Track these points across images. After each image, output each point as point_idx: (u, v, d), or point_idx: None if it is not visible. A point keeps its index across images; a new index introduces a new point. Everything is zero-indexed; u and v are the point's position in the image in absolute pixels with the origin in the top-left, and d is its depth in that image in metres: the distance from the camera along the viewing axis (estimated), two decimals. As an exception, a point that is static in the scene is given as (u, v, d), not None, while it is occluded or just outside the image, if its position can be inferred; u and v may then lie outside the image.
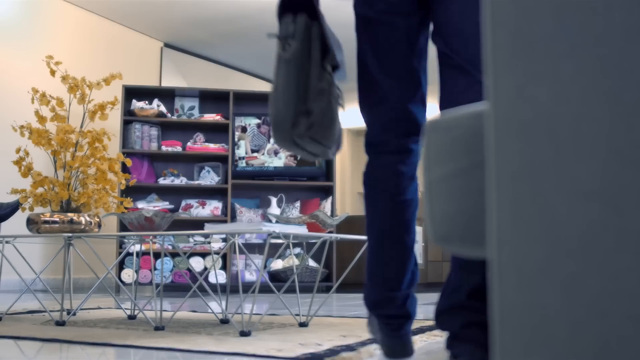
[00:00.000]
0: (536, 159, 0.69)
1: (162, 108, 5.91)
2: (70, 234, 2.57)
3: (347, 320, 2.86)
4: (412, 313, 1.68)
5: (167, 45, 7.64)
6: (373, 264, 1.61)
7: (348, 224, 6.40)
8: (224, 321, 2.72)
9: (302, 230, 2.23)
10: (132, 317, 2.93)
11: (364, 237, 2.53)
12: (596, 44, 0.67)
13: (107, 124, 3.39)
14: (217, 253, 5.75)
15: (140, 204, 5.72)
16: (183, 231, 2.29)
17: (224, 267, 5.79)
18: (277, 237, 2.17)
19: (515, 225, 0.69)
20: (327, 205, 5.94)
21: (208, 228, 2.16)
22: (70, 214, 2.76)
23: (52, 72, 2.97)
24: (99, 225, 2.87)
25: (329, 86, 1.54)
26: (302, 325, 2.59)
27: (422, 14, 1.57)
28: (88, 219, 2.80)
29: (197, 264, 5.68)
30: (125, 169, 5.74)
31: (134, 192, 5.69)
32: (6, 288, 5.44)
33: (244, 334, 2.23)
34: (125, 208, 2.92)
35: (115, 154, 5.63)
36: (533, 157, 0.69)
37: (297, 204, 6.00)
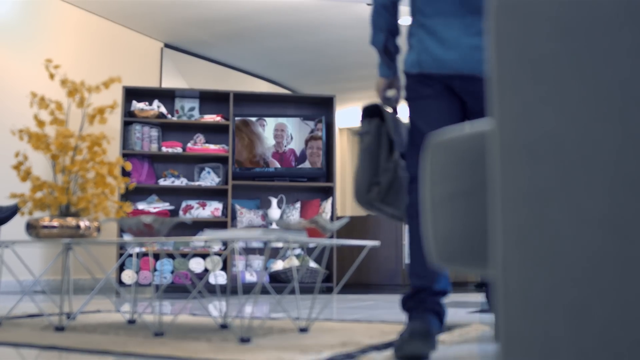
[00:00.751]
0: (542, 183, 0.67)
1: (163, 109, 5.90)
2: (69, 240, 2.56)
3: (347, 325, 2.85)
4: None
5: (167, 45, 7.62)
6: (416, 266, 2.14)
7: (349, 225, 6.40)
8: (224, 326, 2.71)
9: (302, 236, 2.22)
10: (131, 322, 2.91)
11: (364, 243, 2.53)
12: (603, 64, 0.66)
13: (107, 125, 3.38)
14: (217, 254, 5.74)
15: (141, 205, 5.71)
16: (182, 237, 2.27)
17: (224, 268, 5.77)
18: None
19: (520, 251, 0.68)
20: (327, 206, 5.93)
21: (207, 233, 2.14)
22: (69, 219, 2.75)
23: (51, 76, 2.95)
24: (98, 230, 2.86)
25: (395, 165, 2.19)
26: (303, 330, 2.58)
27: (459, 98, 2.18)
28: (87, 223, 2.78)
29: (197, 265, 5.66)
30: (125, 172, 5.73)
31: (134, 193, 5.68)
32: (7, 289, 5.43)
33: (244, 340, 2.22)
34: (125, 213, 2.90)
35: (116, 155, 5.65)
36: (539, 181, 0.67)
37: (298, 204, 5.99)
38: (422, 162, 0.89)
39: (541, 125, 0.67)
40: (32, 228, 2.76)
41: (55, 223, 2.74)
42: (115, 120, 5.88)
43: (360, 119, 2.30)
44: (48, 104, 2.92)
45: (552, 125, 0.67)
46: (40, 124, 2.89)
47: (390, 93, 2.40)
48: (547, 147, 0.67)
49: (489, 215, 0.77)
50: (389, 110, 2.33)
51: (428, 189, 0.86)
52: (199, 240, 2.10)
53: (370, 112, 2.28)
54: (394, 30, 2.34)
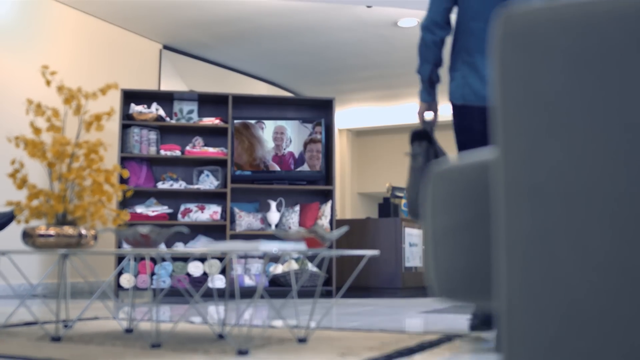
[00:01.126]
0: (547, 220, 0.64)
1: (161, 112, 5.87)
2: (65, 251, 2.53)
3: (346, 334, 2.82)
4: None
5: (166, 47, 7.60)
6: None
7: (348, 229, 6.38)
8: (222, 336, 2.68)
9: (300, 247, 2.19)
10: (129, 331, 2.89)
11: (363, 252, 2.50)
12: (615, 101, 0.63)
13: (105, 128, 3.32)
14: (217, 258, 5.71)
15: (139, 209, 5.68)
16: (180, 250, 2.25)
17: (223, 271, 5.75)
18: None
19: (526, 295, 0.65)
20: (326, 209, 5.90)
21: (206, 244, 2.12)
22: (66, 227, 2.72)
23: (48, 82, 2.92)
24: (95, 238, 2.83)
25: None
26: (301, 340, 2.55)
27: None
28: (84, 232, 2.76)
29: (196, 268, 5.64)
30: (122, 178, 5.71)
31: (133, 196, 5.65)
32: (4, 293, 5.40)
33: (242, 352, 2.19)
34: (122, 221, 2.88)
35: (114, 158, 5.62)
36: (544, 219, 0.65)
37: (297, 208, 5.96)
38: (425, 192, 0.87)
39: (547, 163, 0.64)
40: (28, 237, 2.73)
41: (51, 232, 2.71)
42: (113, 123, 5.85)
43: (410, 141, 2.55)
44: (44, 111, 2.89)
45: (559, 162, 0.64)
46: (37, 131, 2.86)
47: (429, 116, 2.77)
48: (553, 184, 0.65)
49: (492, 250, 0.75)
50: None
51: (429, 221, 0.83)
52: (197, 252, 2.07)
53: (419, 136, 2.54)
54: (439, 63, 2.70)
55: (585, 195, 0.66)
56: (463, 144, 2.60)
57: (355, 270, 2.54)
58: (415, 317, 3.85)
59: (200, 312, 2.73)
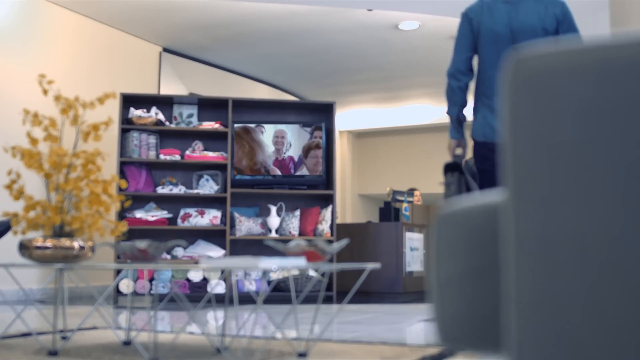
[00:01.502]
0: (561, 278, 0.61)
1: (161, 116, 5.84)
2: (62, 266, 2.50)
3: (348, 347, 2.79)
4: None
5: (165, 49, 7.56)
6: None
7: (348, 232, 6.34)
8: (220, 350, 2.65)
9: (300, 263, 2.16)
10: (127, 343, 2.85)
11: (363, 266, 2.47)
12: (630, 150, 0.59)
13: (104, 132, 3.30)
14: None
15: (139, 214, 5.65)
16: (178, 266, 2.21)
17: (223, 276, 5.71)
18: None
19: (537, 354, 0.62)
20: (327, 214, 5.87)
21: (203, 262, 2.08)
22: (63, 239, 2.69)
23: (45, 92, 2.89)
24: (93, 249, 2.80)
25: None
26: (301, 355, 2.52)
27: None
28: (81, 243, 2.72)
29: (195, 273, 5.60)
30: (123, 176, 5.67)
31: (132, 201, 5.62)
32: (3, 298, 5.37)
33: (241, 369, 2.16)
34: (120, 232, 2.84)
35: (113, 163, 5.58)
36: (558, 276, 0.61)
37: (297, 212, 5.93)
38: (431, 235, 0.83)
39: (559, 220, 0.61)
40: (25, 249, 2.70)
41: (48, 244, 2.68)
42: (112, 127, 5.81)
43: (444, 172, 2.95)
44: (41, 121, 2.85)
45: (571, 220, 0.60)
46: (34, 141, 2.83)
47: (458, 151, 3.13)
48: (565, 242, 0.61)
49: (499, 299, 0.71)
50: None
51: (434, 267, 0.79)
52: (196, 268, 2.04)
53: (451, 168, 2.93)
54: (465, 104, 3.08)
55: (601, 250, 0.62)
56: (483, 172, 3.00)
57: (356, 284, 2.51)
58: (416, 327, 3.82)
59: (199, 325, 2.69)
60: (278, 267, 1.92)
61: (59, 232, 2.75)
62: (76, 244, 2.71)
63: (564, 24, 2.90)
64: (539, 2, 2.92)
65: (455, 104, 3.04)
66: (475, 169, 3.07)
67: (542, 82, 0.62)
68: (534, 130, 0.63)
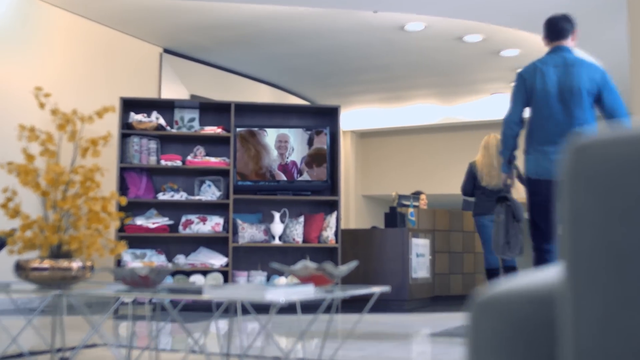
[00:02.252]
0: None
1: (161, 120, 5.74)
2: (59, 292, 2.40)
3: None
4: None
5: (166, 50, 7.46)
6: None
7: (353, 238, 6.24)
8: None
9: (308, 291, 2.06)
10: (127, 365, 2.77)
11: (372, 291, 2.37)
12: None
13: (102, 148, 3.20)
14: (219, 271, 5.60)
15: (139, 220, 5.56)
16: (179, 295, 2.13)
17: (225, 282, 5.62)
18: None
19: None
20: (332, 220, 5.77)
21: (207, 292, 1.99)
22: (60, 260, 2.59)
23: (41, 105, 2.79)
24: (92, 269, 2.70)
25: (518, 231, 3.93)
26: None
27: None
28: (80, 264, 2.63)
29: (197, 282, 5.51)
30: (123, 184, 5.59)
31: (133, 207, 5.52)
32: (1, 306, 5.28)
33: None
34: (119, 252, 2.75)
35: (113, 169, 5.48)
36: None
37: (301, 219, 5.83)
38: (465, 325, 0.74)
39: (628, 339, 0.51)
40: (21, 270, 2.60)
41: (45, 265, 2.58)
42: (112, 132, 5.71)
43: (496, 202, 4.02)
44: (38, 136, 2.76)
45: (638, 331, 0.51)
46: (30, 158, 2.73)
47: (508, 181, 3.90)
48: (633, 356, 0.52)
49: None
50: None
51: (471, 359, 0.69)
52: (200, 297, 1.95)
53: (502, 199, 3.97)
54: (515, 148, 3.76)
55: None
56: (535, 204, 3.62)
57: (364, 309, 2.42)
58: (424, 344, 3.73)
59: (201, 348, 2.60)
60: (286, 299, 1.83)
61: (57, 252, 2.66)
62: (75, 265, 2.62)
63: (605, 89, 3.48)
64: (583, 67, 3.52)
65: (508, 148, 3.73)
66: (526, 201, 3.73)
67: (609, 176, 0.52)
68: (599, 230, 0.53)
